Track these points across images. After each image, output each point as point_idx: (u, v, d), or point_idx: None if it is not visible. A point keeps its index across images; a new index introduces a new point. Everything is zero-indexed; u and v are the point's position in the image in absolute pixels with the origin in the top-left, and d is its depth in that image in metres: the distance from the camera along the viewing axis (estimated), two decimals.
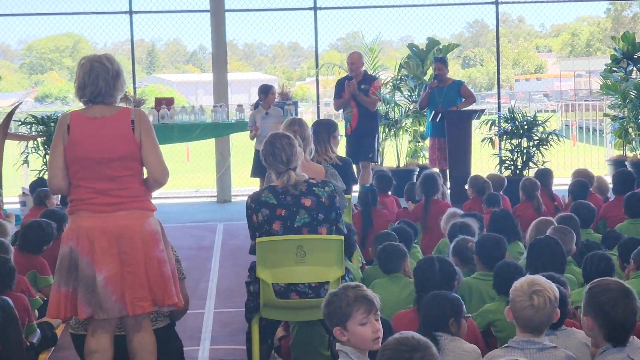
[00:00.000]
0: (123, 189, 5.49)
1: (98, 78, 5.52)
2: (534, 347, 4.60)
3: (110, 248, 5.40)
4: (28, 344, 6.63)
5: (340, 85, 13.04)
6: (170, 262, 5.62)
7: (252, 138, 12.72)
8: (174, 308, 5.71)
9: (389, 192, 10.55)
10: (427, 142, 16.02)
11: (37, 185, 11.08)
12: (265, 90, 12.74)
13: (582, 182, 10.06)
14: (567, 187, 10.54)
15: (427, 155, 16.06)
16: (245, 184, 16.89)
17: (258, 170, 12.26)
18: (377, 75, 14.73)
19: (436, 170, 12.68)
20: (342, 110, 13.15)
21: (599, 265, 6.22)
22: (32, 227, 8.16)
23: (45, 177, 14.17)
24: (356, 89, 12.58)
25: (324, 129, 8.17)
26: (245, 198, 6.19)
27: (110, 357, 5.58)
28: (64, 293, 5.45)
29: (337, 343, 4.56)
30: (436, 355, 4.10)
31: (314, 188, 5.99)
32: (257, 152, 12.44)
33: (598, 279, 4.74)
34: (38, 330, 6.96)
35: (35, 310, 7.22)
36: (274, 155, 6.02)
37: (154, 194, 5.80)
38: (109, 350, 5.57)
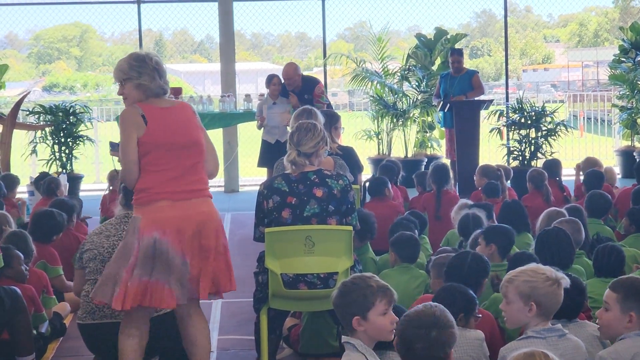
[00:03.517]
0: (198, 177, 5.58)
1: (155, 75, 5.57)
2: (554, 334, 4.62)
3: (193, 235, 5.44)
4: (35, 332, 6.63)
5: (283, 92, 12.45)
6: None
7: (259, 128, 12.60)
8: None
9: (395, 184, 10.50)
10: (436, 132, 16.09)
11: (41, 180, 11.08)
12: (267, 80, 12.51)
13: (597, 172, 10.02)
14: (574, 178, 10.50)
15: (435, 145, 16.13)
16: (252, 174, 16.87)
17: (265, 160, 12.22)
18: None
19: (447, 161, 12.70)
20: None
21: (609, 257, 6.22)
22: (44, 216, 8.11)
23: (52, 169, 14.28)
24: (297, 102, 11.85)
25: (327, 119, 8.19)
26: (253, 188, 6.22)
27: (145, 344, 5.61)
28: (145, 282, 5.37)
29: (342, 335, 4.56)
30: (455, 336, 4.15)
31: (327, 179, 5.98)
32: (264, 142, 12.38)
33: (628, 277, 4.75)
34: (47, 320, 6.97)
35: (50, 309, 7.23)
36: (291, 135, 6.06)
37: None
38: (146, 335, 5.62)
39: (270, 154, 11.99)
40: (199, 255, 5.45)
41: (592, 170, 10.09)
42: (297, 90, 12.25)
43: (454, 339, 4.17)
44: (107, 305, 5.52)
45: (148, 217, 5.44)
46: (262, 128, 12.44)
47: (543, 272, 4.69)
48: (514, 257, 6.15)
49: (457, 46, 15.66)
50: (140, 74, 5.55)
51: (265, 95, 12.61)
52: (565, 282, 4.67)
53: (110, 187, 10.93)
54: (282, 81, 12.42)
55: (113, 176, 10.67)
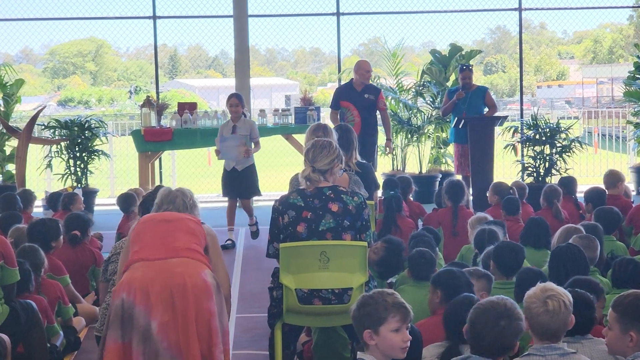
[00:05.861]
0: (182, 241, 5.54)
1: (176, 199, 5.77)
2: (555, 352, 4.58)
3: (164, 293, 5.33)
4: (49, 345, 6.63)
5: (340, 95, 12.49)
6: (222, 317, 5.56)
7: (219, 158, 11.83)
8: None
9: (408, 199, 10.46)
10: (450, 148, 16.05)
11: (53, 197, 11.12)
12: (226, 101, 11.83)
13: (598, 189, 9.93)
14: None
15: (449, 161, 16.07)
16: (266, 189, 16.83)
17: (224, 189, 11.90)
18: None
19: (459, 177, 12.66)
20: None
21: (626, 269, 6.23)
22: (36, 225, 8.05)
23: (67, 184, 14.31)
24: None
25: (354, 135, 8.14)
26: (266, 203, 6.23)
27: None
28: (120, 345, 5.33)
29: (358, 352, 4.56)
30: (522, 328, 4.40)
31: (342, 195, 5.99)
32: (223, 169, 11.85)
33: (629, 293, 4.72)
34: (61, 332, 6.97)
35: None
36: (306, 151, 6.06)
37: None
38: None
39: (227, 182, 11.71)
40: (174, 316, 5.34)
41: (592, 188, 9.99)
42: (364, 86, 12.29)
43: (521, 330, 4.41)
44: None
45: (122, 280, 5.44)
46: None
47: (534, 293, 4.67)
48: (519, 274, 6.20)
49: (471, 62, 15.65)
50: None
51: (227, 117, 12.18)
52: (556, 302, 4.59)
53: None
54: (241, 102, 11.76)
55: (125, 200, 10.44)
